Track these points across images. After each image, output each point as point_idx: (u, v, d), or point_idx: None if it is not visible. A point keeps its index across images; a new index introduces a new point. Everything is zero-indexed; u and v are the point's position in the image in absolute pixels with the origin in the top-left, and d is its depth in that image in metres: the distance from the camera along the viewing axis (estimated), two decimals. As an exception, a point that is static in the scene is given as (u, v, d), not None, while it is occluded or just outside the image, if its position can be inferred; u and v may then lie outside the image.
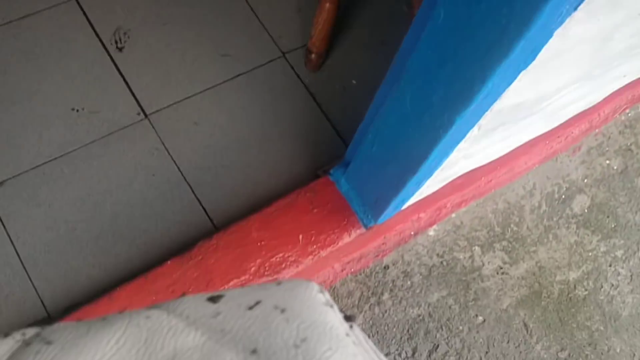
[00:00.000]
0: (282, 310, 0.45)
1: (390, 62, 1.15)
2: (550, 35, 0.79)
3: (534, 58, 0.83)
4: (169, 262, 1.33)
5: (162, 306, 0.46)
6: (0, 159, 1.50)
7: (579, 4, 0.72)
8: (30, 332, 0.44)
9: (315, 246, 1.40)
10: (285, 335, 0.42)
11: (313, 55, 1.69)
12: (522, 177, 1.79)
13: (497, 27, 0.78)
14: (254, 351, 0.41)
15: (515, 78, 0.88)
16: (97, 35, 1.68)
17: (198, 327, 0.43)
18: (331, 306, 0.48)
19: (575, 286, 1.68)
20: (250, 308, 0.45)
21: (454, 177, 1.51)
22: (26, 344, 0.41)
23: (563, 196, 1.79)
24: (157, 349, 0.41)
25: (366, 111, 1.32)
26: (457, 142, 1.07)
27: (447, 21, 0.88)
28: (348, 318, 0.48)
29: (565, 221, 1.76)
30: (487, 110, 0.97)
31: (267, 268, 1.35)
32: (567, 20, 0.75)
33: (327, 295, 0.49)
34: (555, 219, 1.75)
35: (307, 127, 1.68)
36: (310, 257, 1.39)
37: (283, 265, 1.36)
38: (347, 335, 0.45)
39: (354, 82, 1.77)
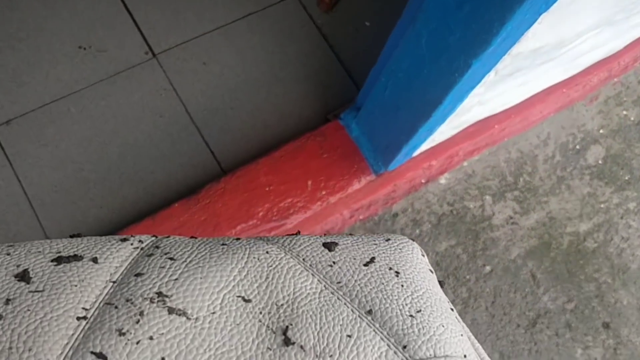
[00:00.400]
0: (397, 274, 0.44)
1: (405, 2, 1.11)
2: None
3: (556, -1, 0.79)
4: (176, 204, 1.32)
5: (278, 242, 0.45)
6: (7, 97, 1.48)
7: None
8: (146, 239, 0.43)
9: (324, 192, 1.39)
10: (401, 301, 0.42)
11: (326, -4, 1.64)
12: (536, 126, 1.75)
13: (520, -36, 0.74)
14: (369, 312, 0.41)
15: (535, 20, 0.84)
16: (104, -30, 1.64)
17: (315, 273, 0.43)
18: (432, 272, 0.49)
19: (585, 238, 1.66)
20: (366, 265, 0.44)
21: (468, 124, 1.48)
22: (147, 254, 0.41)
23: (577, 146, 1.76)
24: (279, 288, 0.41)
25: (379, 54, 1.28)
26: (473, 87, 1.04)
27: (467, -42, 0.84)
28: (440, 283, 0.49)
29: (578, 172, 1.73)
30: (505, 54, 0.94)
31: (275, 213, 1.34)
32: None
33: (427, 259, 0.50)
34: (568, 170, 1.72)
35: (318, 69, 1.64)
36: (319, 203, 1.38)
37: (291, 211, 1.35)
38: (452, 309, 0.45)
39: (367, 23, 1.72)
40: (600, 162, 1.76)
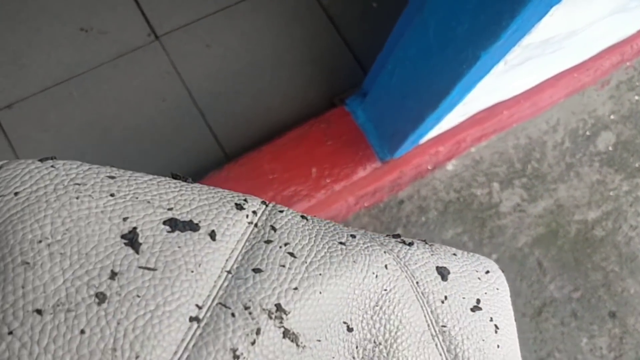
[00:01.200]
0: (496, 329, 0.41)
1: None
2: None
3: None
4: (178, 192, 1.31)
5: (393, 251, 0.40)
6: (9, 80, 1.45)
7: None
8: (259, 209, 0.37)
9: (328, 180, 1.37)
10: None
11: (332, -23, 1.61)
12: (546, 112, 1.71)
13: (532, -44, 0.71)
14: None
15: (546, 13, 0.81)
16: (106, -51, 1.60)
17: (424, 305, 0.38)
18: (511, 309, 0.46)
19: (593, 226, 1.64)
20: (472, 310, 0.41)
21: (476, 111, 1.45)
22: (264, 240, 0.35)
23: (588, 132, 1.73)
24: (383, 322, 0.36)
25: (387, 37, 1.25)
26: (481, 77, 1.01)
27: (477, -53, 0.81)
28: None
29: (588, 159, 1.70)
30: (514, 46, 0.91)
31: (278, 202, 1.32)
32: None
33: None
34: (578, 156, 1.69)
35: (324, 52, 1.61)
36: (323, 191, 1.36)
37: (295, 199, 1.33)
38: None
39: (374, 4, 1.68)
40: (610, 148, 1.72)
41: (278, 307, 0.32)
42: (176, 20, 1.57)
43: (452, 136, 1.52)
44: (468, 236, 1.56)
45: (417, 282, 0.39)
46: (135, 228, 0.30)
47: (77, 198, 0.31)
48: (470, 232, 1.56)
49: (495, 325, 0.41)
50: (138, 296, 0.28)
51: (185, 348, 0.28)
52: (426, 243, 0.43)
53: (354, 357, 0.34)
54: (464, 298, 0.41)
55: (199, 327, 0.29)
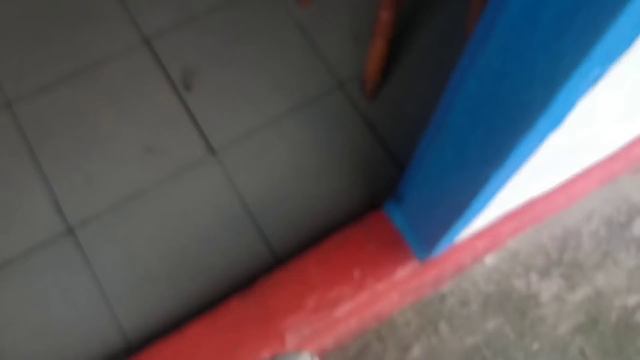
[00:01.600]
0: None
1: (443, 86, 1.18)
2: (573, 107, 0.82)
3: (560, 124, 0.86)
4: (233, 300, 1.44)
5: None
6: (83, 198, 1.64)
7: (598, 80, 0.74)
8: None
9: (370, 280, 1.47)
10: None
11: (368, 86, 1.76)
12: (580, 202, 1.79)
13: (519, 103, 0.83)
14: None
15: (545, 139, 0.91)
16: (167, 75, 1.81)
17: None
18: None
19: (633, 311, 1.67)
20: None
21: (507, 209, 1.54)
22: None
23: (622, 219, 1.78)
24: None
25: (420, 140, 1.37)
26: (498, 190, 1.11)
27: (477, 91, 0.93)
28: None
29: (624, 245, 1.75)
30: (521, 166, 1.01)
31: (323, 304, 1.43)
32: (591, 91, 0.77)
33: None
34: (614, 243, 1.75)
35: (364, 157, 1.75)
36: (365, 291, 1.46)
37: (339, 301, 1.44)
38: None
39: (410, 109, 1.82)
40: (646, 233, 1.77)
41: None
42: (230, 135, 1.75)
43: (488, 231, 1.61)
44: (509, 327, 1.62)
45: None
46: None
47: None
48: (511, 322, 1.62)
49: None
50: None
51: None
52: None
53: None
54: None
55: None
